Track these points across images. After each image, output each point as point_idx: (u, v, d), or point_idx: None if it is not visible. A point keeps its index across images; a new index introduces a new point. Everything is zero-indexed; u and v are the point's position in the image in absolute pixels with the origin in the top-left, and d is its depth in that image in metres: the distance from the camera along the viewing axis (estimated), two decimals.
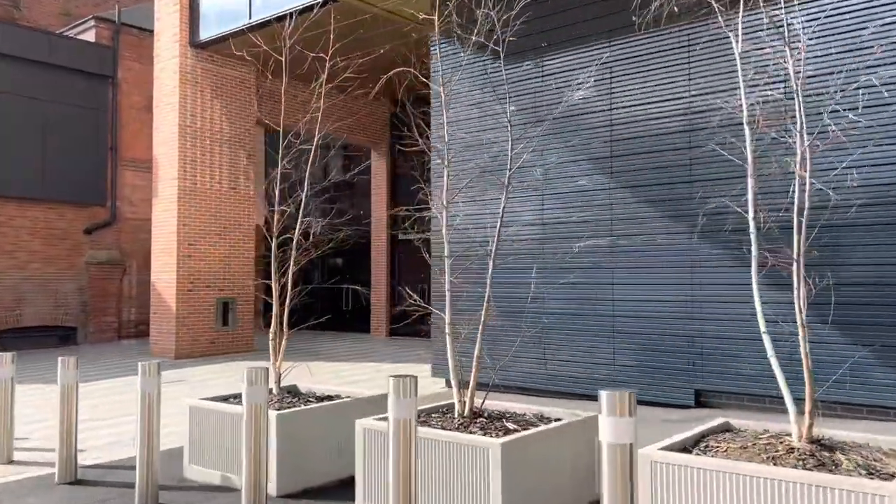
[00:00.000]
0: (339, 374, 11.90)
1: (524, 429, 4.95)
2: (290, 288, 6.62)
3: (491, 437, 4.73)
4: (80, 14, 22.04)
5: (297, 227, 6.84)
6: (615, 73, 9.17)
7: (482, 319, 5.63)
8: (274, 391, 6.35)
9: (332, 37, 7.32)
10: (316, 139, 7.08)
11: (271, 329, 6.66)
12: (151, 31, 20.01)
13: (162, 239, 14.67)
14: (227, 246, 15.20)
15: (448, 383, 8.35)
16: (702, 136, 8.24)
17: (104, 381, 11.63)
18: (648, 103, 8.89)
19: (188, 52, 14.60)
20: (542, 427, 5.05)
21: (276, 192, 6.76)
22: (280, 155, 6.98)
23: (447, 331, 5.69)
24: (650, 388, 8.63)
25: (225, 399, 6.36)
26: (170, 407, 7.33)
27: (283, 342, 6.59)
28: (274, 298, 6.64)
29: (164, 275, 14.56)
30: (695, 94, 8.53)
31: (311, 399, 6.41)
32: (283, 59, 7.03)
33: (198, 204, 14.72)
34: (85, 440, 7.41)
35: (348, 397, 6.40)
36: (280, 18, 13.06)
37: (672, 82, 8.73)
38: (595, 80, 8.65)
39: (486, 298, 5.64)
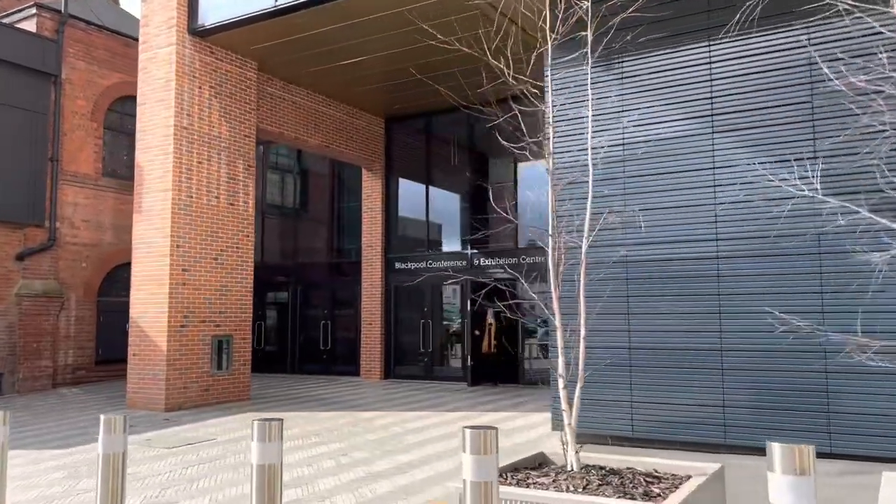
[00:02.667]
0: (427, 432, 9.76)
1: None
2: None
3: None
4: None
5: None
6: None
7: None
8: (573, 466, 4.37)
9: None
10: None
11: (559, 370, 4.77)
12: (101, 27, 17.28)
13: (148, 263, 11.99)
14: (223, 273, 12.68)
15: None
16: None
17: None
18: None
19: (186, 40, 12.19)
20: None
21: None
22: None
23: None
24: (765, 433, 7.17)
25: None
26: None
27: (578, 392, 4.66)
28: None
29: (151, 307, 11.85)
30: None
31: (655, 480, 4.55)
32: None
33: (193, 222, 12.18)
34: None
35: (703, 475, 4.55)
36: (308, 4, 11.09)
37: None
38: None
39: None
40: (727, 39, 7.53)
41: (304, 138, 15.07)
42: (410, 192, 17.40)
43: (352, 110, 16.31)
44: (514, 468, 4.80)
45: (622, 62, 8.23)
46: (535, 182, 15.26)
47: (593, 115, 8.29)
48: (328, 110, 15.70)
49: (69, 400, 13.41)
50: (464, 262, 15.99)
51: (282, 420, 4.68)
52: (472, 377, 15.51)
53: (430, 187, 16.97)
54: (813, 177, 4.99)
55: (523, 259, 15.15)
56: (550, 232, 5.11)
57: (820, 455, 6.53)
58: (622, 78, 8.23)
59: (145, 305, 11.93)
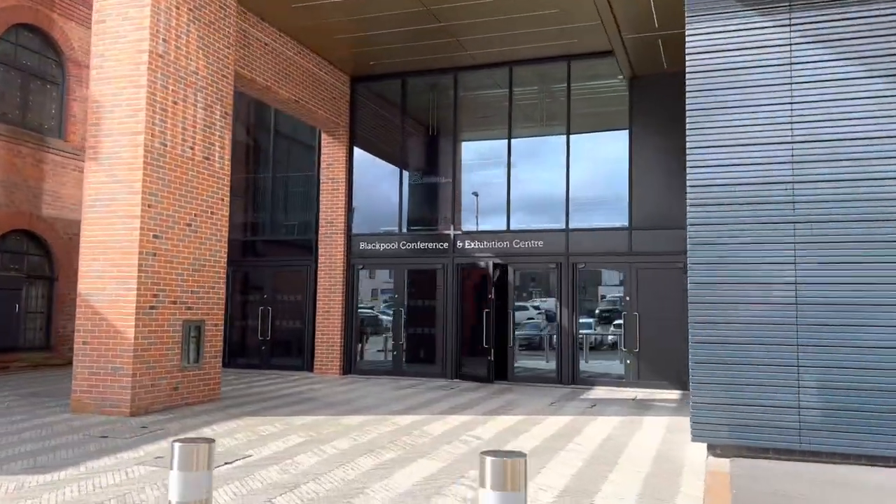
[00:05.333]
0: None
1: None
2: None
3: None
4: None
5: None
6: None
7: None
8: None
9: None
10: None
11: None
12: None
13: (107, 226, 9.30)
14: (197, 243, 10.19)
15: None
16: None
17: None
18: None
19: None
20: None
21: None
22: None
23: None
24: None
25: None
26: None
27: None
28: None
29: (110, 283, 9.18)
30: None
31: None
32: None
33: (167, 176, 9.63)
34: None
35: None
36: None
37: None
38: None
39: None
40: None
41: (276, 89, 12.68)
42: (379, 163, 15.39)
43: (320, 62, 14.07)
44: None
45: (790, 4, 6.99)
46: (532, 155, 13.87)
47: (752, 67, 7.00)
48: (299, 59, 13.38)
49: None
50: (445, 245, 14.27)
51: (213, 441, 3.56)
52: (454, 372, 13.86)
53: (405, 158, 15.06)
54: None
55: (516, 244, 13.71)
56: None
57: None
58: (789, 25, 6.98)
59: (102, 280, 9.23)
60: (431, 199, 14.81)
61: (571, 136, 13.67)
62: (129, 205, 9.19)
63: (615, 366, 13.17)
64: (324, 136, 15.12)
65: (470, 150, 14.72)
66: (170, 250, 9.63)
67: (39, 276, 15.05)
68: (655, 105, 13.14)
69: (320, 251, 14.95)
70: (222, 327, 10.69)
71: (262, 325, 15.58)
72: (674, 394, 12.16)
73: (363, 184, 15.16)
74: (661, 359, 12.63)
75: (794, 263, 6.78)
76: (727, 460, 6.81)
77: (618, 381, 12.92)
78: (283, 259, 15.81)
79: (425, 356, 14.52)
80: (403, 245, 14.57)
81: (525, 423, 8.90)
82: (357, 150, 15.17)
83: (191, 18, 10.04)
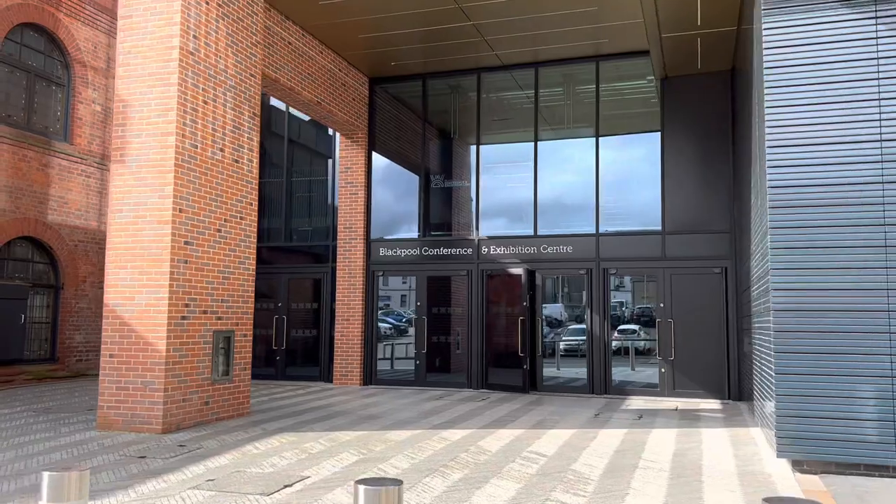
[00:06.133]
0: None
1: None
2: None
3: None
4: None
5: None
6: None
7: None
8: None
9: None
10: None
11: None
12: None
13: (135, 232, 8.79)
14: (226, 250, 9.70)
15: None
16: None
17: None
18: None
19: None
20: None
21: None
22: None
23: None
24: None
25: None
26: None
27: None
28: None
29: (140, 292, 8.67)
30: None
31: None
32: None
33: (198, 180, 9.14)
34: None
35: None
36: None
37: None
38: None
39: None
40: None
41: (299, 90, 12.23)
42: (399, 167, 14.95)
43: (340, 62, 13.63)
44: None
45: None
46: (559, 158, 13.51)
47: (835, 62, 6.67)
48: (321, 59, 12.94)
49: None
50: (469, 250, 13.85)
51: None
52: (481, 382, 13.42)
53: (425, 161, 14.64)
54: None
55: (543, 249, 13.32)
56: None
57: None
58: (875, 18, 6.66)
59: (131, 289, 8.71)
60: (453, 203, 14.39)
61: (600, 139, 13.32)
62: (159, 210, 8.69)
63: (647, 374, 12.80)
64: (341, 139, 14.67)
65: (493, 153, 14.31)
66: (200, 257, 9.14)
67: (44, 285, 14.45)
68: (688, 107, 12.83)
69: (338, 257, 14.48)
70: (251, 338, 10.19)
71: (276, 335, 15.06)
72: (714, 403, 11.80)
73: (382, 188, 14.73)
74: (698, 367, 12.28)
75: (886, 268, 6.43)
76: (817, 477, 6.44)
77: (652, 390, 12.54)
78: (298, 266, 15.31)
79: (449, 366, 14.09)
80: (425, 251, 14.14)
81: (580, 438, 8.48)
82: (375, 154, 14.72)
83: (220, 14, 9.58)
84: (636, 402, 11.83)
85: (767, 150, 6.84)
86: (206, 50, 9.33)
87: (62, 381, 14.27)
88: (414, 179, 14.65)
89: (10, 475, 6.37)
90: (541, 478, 6.40)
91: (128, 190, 8.86)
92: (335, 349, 14.28)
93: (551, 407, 11.15)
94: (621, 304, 13.30)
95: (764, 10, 6.98)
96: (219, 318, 9.47)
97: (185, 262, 8.86)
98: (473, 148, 14.16)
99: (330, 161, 15.59)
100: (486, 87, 14.25)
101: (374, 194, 14.63)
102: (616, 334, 12.98)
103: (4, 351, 13.28)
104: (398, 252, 14.30)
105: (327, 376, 14.55)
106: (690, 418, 10.16)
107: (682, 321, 12.41)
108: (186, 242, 8.89)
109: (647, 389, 12.60)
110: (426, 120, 14.64)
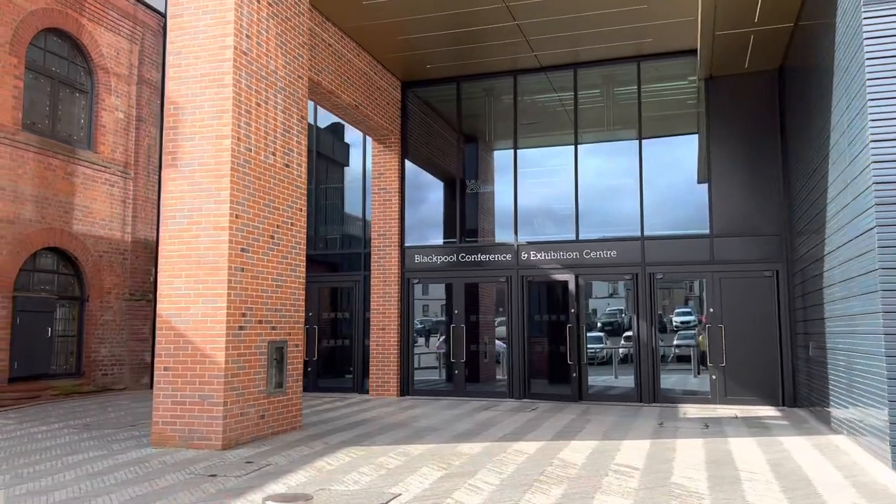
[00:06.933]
0: None
1: None
2: None
3: None
4: None
5: None
6: None
7: None
8: None
9: None
10: None
11: None
12: None
13: (190, 240, 8.42)
14: (279, 257, 9.34)
15: None
16: None
17: None
18: None
19: None
20: None
21: None
22: None
23: None
24: None
25: None
26: None
27: None
28: None
29: (196, 302, 8.29)
30: None
31: None
32: None
33: (252, 185, 8.79)
34: None
35: None
36: None
37: None
38: None
39: None
40: None
41: (339, 93, 11.91)
42: (433, 172, 14.64)
43: (375, 65, 13.33)
44: None
45: None
46: (601, 161, 13.23)
47: None
48: (357, 62, 12.63)
49: (12, 435, 9.23)
50: (508, 256, 13.52)
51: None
52: (523, 391, 13.08)
53: (460, 165, 14.32)
54: None
55: (586, 254, 13.01)
56: None
57: None
58: None
59: (186, 299, 8.33)
60: (490, 208, 14.08)
61: (644, 141, 13.04)
62: (215, 216, 8.33)
63: (694, 381, 12.49)
64: (374, 144, 14.35)
65: (530, 157, 14.02)
66: (255, 265, 8.78)
67: (69, 297, 14.01)
68: (734, 107, 12.58)
69: (372, 265, 14.13)
70: (303, 348, 9.82)
71: (307, 345, 14.67)
72: (770, 410, 11.50)
73: (416, 194, 14.40)
74: (750, 373, 11.97)
75: None
76: None
77: (703, 397, 12.23)
78: (329, 275, 14.95)
79: (488, 375, 13.74)
80: (462, 257, 13.81)
81: (660, 448, 8.15)
82: (408, 160, 14.40)
83: (269, 14, 9.25)
84: (691, 411, 11.51)
85: (871, 146, 6.56)
86: (258, 50, 8.99)
87: (89, 395, 13.82)
88: (448, 185, 14.34)
89: (82, 496, 5.98)
90: (647, 492, 6.06)
91: (181, 195, 8.49)
92: (370, 359, 13.90)
93: (607, 417, 10.81)
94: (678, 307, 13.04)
95: (864, 1, 6.72)
96: (273, 328, 9.10)
97: (242, 269, 8.50)
98: (510, 152, 13.86)
99: (346, 169, 15.37)
100: (522, 89, 13.96)
101: (408, 199, 14.30)
102: (676, 340, 12.68)
103: (32, 366, 12.83)
104: (434, 259, 13.97)
105: (360, 387, 14.17)
106: (758, 426, 9.85)
107: (732, 326, 12.11)
108: (243, 249, 8.53)
109: (698, 396, 12.29)
110: (460, 124, 14.34)
